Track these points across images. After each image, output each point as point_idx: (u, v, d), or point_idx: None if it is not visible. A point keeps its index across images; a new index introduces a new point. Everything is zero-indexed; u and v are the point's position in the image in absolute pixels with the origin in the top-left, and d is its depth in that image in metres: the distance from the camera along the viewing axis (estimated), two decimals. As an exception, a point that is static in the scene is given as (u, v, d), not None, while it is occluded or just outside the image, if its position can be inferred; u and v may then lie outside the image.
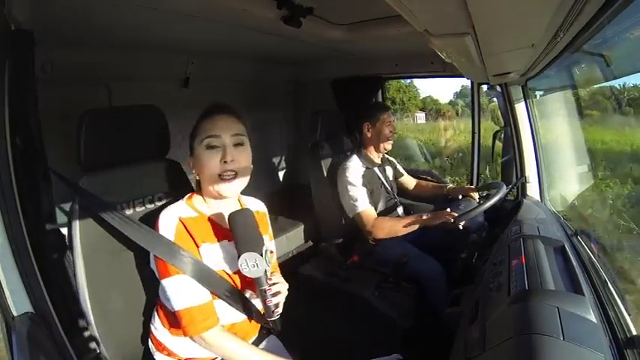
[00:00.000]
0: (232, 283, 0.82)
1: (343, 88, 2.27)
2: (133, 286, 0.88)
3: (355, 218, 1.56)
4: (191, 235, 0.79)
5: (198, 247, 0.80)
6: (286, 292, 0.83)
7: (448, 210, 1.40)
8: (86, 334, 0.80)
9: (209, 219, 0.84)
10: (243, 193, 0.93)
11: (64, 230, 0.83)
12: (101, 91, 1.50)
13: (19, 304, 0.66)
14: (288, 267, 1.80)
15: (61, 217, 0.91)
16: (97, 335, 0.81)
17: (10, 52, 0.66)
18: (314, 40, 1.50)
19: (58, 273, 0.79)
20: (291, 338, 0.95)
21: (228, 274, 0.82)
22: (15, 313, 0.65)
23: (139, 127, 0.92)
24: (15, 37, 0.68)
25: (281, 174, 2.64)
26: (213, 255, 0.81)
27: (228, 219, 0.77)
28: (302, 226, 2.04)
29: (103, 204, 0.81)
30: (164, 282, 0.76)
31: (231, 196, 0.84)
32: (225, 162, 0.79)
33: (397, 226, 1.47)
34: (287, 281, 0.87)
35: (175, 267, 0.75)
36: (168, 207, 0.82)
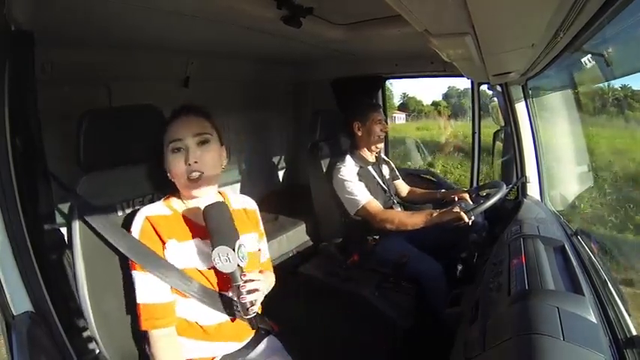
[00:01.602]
0: (207, 281, 0.82)
1: (343, 88, 2.27)
2: (133, 287, 0.88)
3: (360, 213, 1.54)
4: (157, 233, 0.80)
5: (164, 243, 0.80)
6: (266, 291, 0.83)
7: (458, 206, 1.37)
8: (86, 333, 0.80)
9: (183, 217, 0.84)
10: (242, 191, 0.93)
11: (64, 229, 0.83)
12: (101, 91, 1.50)
13: (19, 303, 0.66)
14: (288, 267, 1.81)
15: (61, 217, 0.91)
16: (96, 335, 0.81)
17: (10, 52, 0.66)
18: (314, 40, 1.50)
19: (58, 272, 0.79)
20: (290, 338, 0.95)
21: (200, 271, 0.82)
22: (15, 313, 0.65)
23: (138, 127, 0.92)
24: (15, 37, 0.68)
25: (281, 174, 2.64)
26: (184, 252, 0.81)
27: (203, 212, 0.78)
28: (302, 226, 2.04)
29: (95, 206, 0.81)
30: (133, 273, 0.78)
31: (201, 196, 0.85)
32: (189, 164, 0.79)
33: (407, 220, 1.45)
34: (287, 281, 0.87)
35: (147, 270, 0.77)
36: (144, 206, 0.83)
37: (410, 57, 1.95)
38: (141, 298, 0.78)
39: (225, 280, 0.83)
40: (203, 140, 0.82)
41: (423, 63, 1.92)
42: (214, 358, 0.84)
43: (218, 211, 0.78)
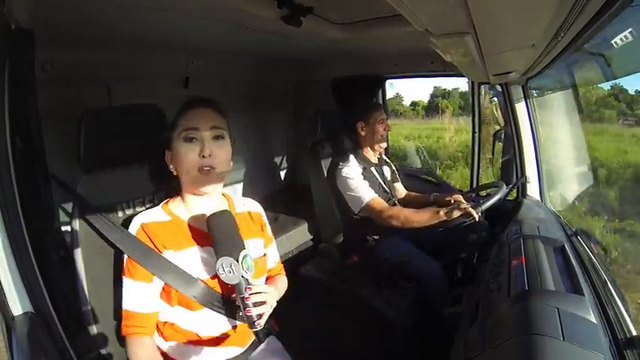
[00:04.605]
0: (212, 289, 0.79)
1: (343, 88, 2.26)
2: None
3: (365, 210, 1.52)
4: (153, 243, 0.78)
5: (159, 253, 0.78)
6: (274, 304, 0.79)
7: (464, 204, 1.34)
8: (86, 334, 0.80)
9: (184, 222, 0.81)
10: (243, 191, 0.92)
11: (65, 229, 0.83)
12: (101, 91, 1.51)
13: (19, 303, 0.65)
14: (289, 267, 1.80)
15: (61, 217, 0.91)
16: (96, 335, 0.81)
17: (10, 51, 0.66)
18: (314, 39, 1.50)
19: (59, 273, 0.79)
20: (291, 338, 0.95)
21: (202, 280, 0.79)
22: (15, 313, 0.65)
23: (139, 126, 0.92)
24: (15, 36, 0.67)
25: (281, 174, 2.64)
26: (182, 262, 0.78)
27: (207, 220, 0.75)
28: (302, 226, 2.04)
29: (95, 206, 0.81)
30: (124, 279, 0.78)
31: (209, 193, 0.81)
32: (203, 156, 0.76)
33: (413, 217, 1.40)
34: (287, 281, 0.86)
35: (152, 273, 0.76)
36: (142, 212, 0.81)
37: (410, 56, 1.95)
38: (126, 303, 0.78)
39: (230, 289, 0.79)
40: (219, 135, 0.79)
41: (423, 62, 1.92)
42: None
43: (223, 219, 0.75)
